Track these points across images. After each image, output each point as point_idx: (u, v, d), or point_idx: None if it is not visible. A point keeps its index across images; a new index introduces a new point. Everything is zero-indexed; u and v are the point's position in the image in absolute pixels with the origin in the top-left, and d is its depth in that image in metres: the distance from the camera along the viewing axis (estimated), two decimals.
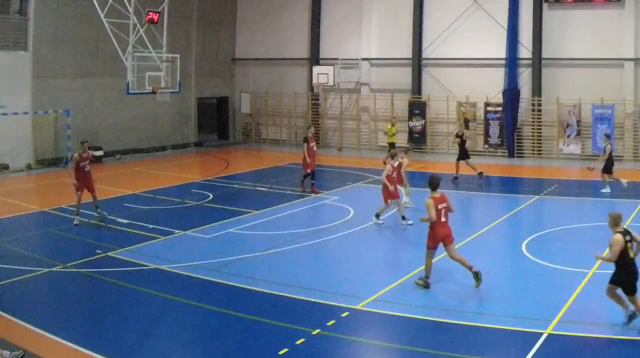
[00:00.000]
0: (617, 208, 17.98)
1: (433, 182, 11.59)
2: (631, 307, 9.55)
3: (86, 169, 16.44)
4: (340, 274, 12.63)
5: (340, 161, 26.78)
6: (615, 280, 9.60)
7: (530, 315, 9.96)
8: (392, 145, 25.26)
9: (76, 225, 16.01)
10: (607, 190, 19.70)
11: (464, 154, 22.52)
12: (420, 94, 29.97)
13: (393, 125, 26.73)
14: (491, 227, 15.68)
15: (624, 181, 19.98)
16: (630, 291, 9.44)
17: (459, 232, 15.28)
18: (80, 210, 16.30)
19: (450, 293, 11.28)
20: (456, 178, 22.13)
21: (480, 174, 21.97)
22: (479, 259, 13.67)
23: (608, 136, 20.98)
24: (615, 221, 9.67)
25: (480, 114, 28.47)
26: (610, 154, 19.88)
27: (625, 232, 9.56)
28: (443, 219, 11.43)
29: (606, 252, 9.73)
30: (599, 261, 12.55)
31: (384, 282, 11.70)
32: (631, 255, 9.48)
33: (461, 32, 28.67)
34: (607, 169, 19.91)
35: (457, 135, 23.23)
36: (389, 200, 16.08)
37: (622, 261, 9.43)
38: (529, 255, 13.31)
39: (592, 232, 15.21)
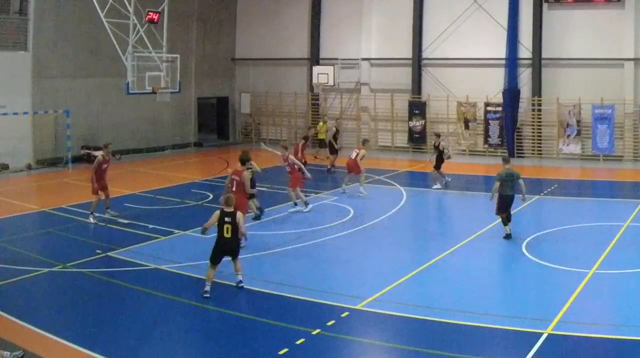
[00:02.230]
0: (617, 208, 18.05)
1: (241, 157, 14.07)
2: (236, 279, 11.31)
3: (106, 171, 16.97)
4: (340, 274, 12.63)
5: (339, 161, 26.76)
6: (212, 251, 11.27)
7: (530, 315, 9.97)
8: (322, 142, 27.04)
9: (95, 224, 16.19)
10: (438, 186, 20.41)
11: (332, 149, 25.23)
12: (420, 94, 29.96)
13: (325, 122, 27.93)
14: (491, 227, 15.67)
15: (448, 179, 20.96)
16: (213, 261, 11.13)
17: (460, 231, 15.41)
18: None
19: (450, 293, 11.27)
20: (331, 169, 24.39)
21: (330, 169, 24.33)
22: (479, 259, 13.70)
23: (438, 135, 21.91)
24: (224, 201, 11.23)
25: (480, 114, 28.45)
26: (441, 151, 20.72)
27: (227, 214, 11.04)
28: (234, 189, 13.59)
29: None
30: (599, 261, 12.64)
31: (384, 282, 11.69)
32: (225, 234, 10.98)
33: (461, 32, 28.65)
34: (438, 165, 20.66)
35: (336, 129, 26.16)
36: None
37: (216, 234, 11.15)
38: (529, 255, 13.31)
39: (592, 232, 15.24)
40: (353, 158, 19.79)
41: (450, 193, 20.55)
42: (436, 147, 20.96)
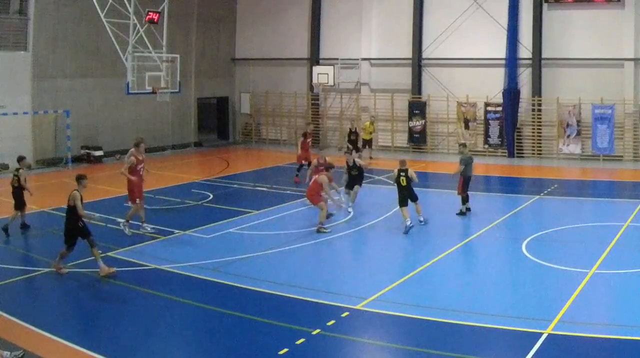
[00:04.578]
0: (617, 208, 18.05)
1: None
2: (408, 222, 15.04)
3: (141, 173, 15.43)
4: (340, 274, 12.64)
5: (340, 161, 26.81)
6: None
7: (530, 315, 9.96)
8: (369, 142, 27.50)
9: (131, 234, 15.07)
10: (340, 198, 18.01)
11: (356, 148, 24.76)
12: (420, 94, 29.96)
13: (372, 123, 27.93)
14: (491, 227, 15.68)
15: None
16: (401, 204, 15.38)
17: (460, 231, 15.42)
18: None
19: (450, 293, 11.28)
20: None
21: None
22: (479, 259, 13.71)
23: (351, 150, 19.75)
24: (400, 163, 15.54)
25: (480, 114, 28.44)
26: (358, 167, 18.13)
27: (402, 170, 15.25)
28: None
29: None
30: (599, 261, 12.64)
31: (384, 282, 11.70)
32: (402, 183, 15.23)
33: (461, 32, 28.65)
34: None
35: (350, 131, 26.10)
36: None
37: (397, 185, 15.47)
38: (529, 255, 13.30)
39: (592, 232, 15.24)
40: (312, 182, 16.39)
41: (449, 193, 20.50)
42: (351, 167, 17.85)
